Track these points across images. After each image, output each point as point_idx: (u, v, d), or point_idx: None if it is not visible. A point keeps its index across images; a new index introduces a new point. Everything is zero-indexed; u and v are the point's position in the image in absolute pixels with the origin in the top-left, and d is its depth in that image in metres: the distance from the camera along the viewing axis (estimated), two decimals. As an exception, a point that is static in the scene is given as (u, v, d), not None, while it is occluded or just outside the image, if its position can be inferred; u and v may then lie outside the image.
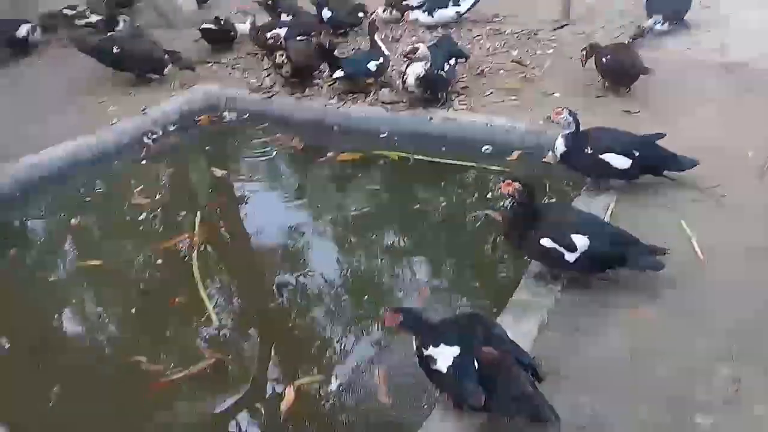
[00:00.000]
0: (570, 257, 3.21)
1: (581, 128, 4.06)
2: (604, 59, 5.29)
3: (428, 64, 5.11)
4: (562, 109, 4.01)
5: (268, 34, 6.36)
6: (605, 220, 3.73)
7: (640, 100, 5.23)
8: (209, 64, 6.69)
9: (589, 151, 3.98)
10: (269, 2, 7.14)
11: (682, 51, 6.07)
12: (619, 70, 5.27)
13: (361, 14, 7.05)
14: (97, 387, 3.28)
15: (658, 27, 6.23)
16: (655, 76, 5.22)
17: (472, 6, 7.00)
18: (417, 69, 5.14)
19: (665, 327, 3.08)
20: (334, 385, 3.09)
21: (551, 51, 6.23)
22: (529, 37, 6.64)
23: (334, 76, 5.68)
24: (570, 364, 2.90)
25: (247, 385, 3.20)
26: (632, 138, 4.06)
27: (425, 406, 2.83)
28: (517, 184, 3.22)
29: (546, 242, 3.24)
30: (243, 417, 3.05)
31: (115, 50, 6.25)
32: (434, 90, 5.33)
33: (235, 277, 4.12)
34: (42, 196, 4.87)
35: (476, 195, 4.70)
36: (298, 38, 6.23)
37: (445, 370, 2.52)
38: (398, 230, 4.41)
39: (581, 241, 3.19)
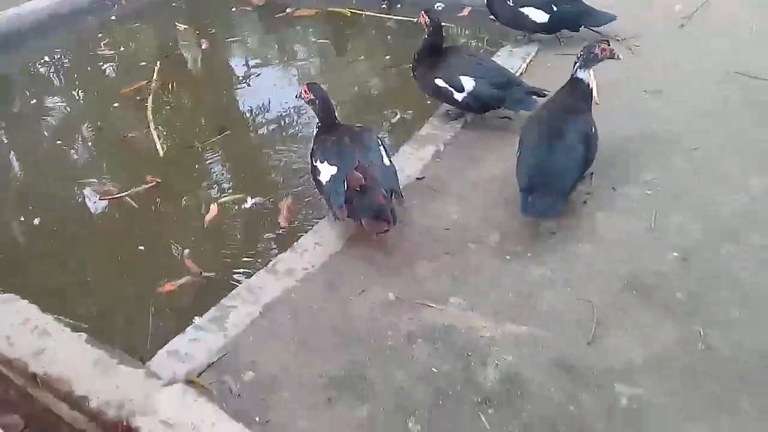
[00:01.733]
0: (458, 96, 3.56)
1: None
2: None
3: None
4: None
5: None
6: (513, 68, 4.00)
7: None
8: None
9: (510, 3, 4.18)
10: None
11: None
12: None
13: None
14: (52, 203, 3.77)
15: None
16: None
17: None
18: None
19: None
20: (248, 204, 3.53)
21: None
22: None
23: None
24: (450, 184, 3.30)
25: (179, 202, 3.65)
26: None
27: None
28: (427, 17, 3.51)
29: (439, 82, 3.57)
30: (173, 227, 3.52)
31: None
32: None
33: (184, 116, 4.50)
34: (19, 49, 5.21)
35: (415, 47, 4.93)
36: None
37: (324, 183, 2.95)
38: (338, 76, 4.72)
39: (468, 83, 3.50)
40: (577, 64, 3.09)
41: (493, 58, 4.11)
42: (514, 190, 3.10)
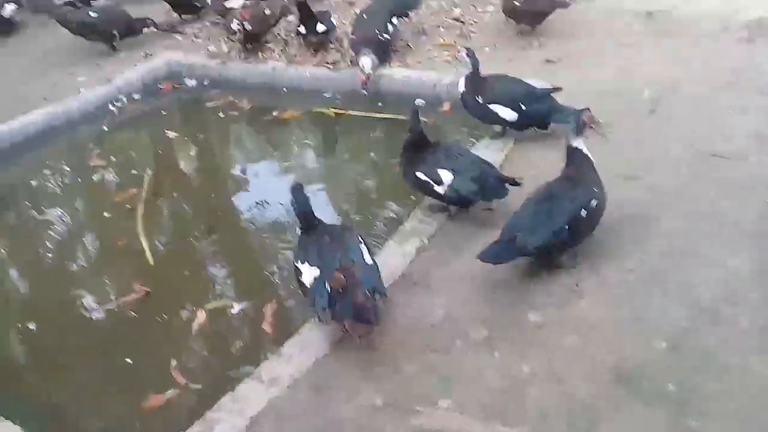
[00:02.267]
0: (439, 189, 3.63)
1: (486, 75, 4.41)
2: (516, 2, 5.71)
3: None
4: (461, 49, 4.35)
5: (226, 4, 6.79)
6: (492, 160, 4.10)
7: (562, 48, 5.55)
8: (180, 34, 7.09)
9: (480, 101, 4.34)
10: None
11: (613, 2, 6.32)
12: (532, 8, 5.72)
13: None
14: (42, 315, 3.77)
15: None
16: (581, 26, 5.55)
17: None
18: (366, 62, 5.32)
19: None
20: (235, 309, 3.55)
21: (491, 8, 6.51)
22: (475, -5, 6.92)
23: (318, 30, 6.00)
24: (435, 278, 3.33)
25: (168, 310, 3.66)
26: (526, 91, 4.34)
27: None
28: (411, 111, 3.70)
29: (420, 175, 3.66)
30: (161, 336, 3.52)
31: (92, 15, 6.71)
32: (378, 52, 5.53)
33: (175, 222, 4.58)
34: (10, 161, 5.35)
35: (400, 144, 5.07)
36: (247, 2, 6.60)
37: (308, 285, 2.98)
38: (323, 175, 4.84)
39: (446, 176, 3.60)
40: (570, 136, 3.28)
41: (472, 151, 4.24)
42: (497, 282, 3.12)
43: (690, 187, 3.75)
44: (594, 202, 3.21)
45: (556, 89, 4.39)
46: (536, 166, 4.05)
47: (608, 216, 3.40)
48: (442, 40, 6.03)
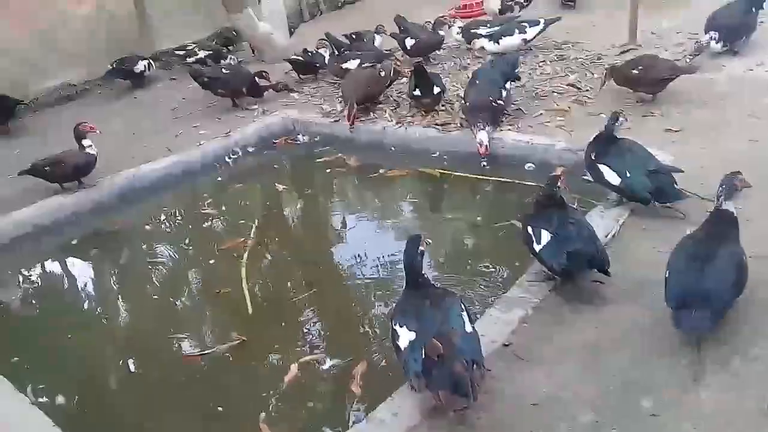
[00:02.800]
0: (536, 247, 3.53)
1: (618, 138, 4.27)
2: (634, 70, 5.54)
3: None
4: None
5: (343, 65, 7.03)
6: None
7: (686, 117, 5.27)
8: (294, 92, 7.38)
9: (592, 156, 4.16)
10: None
11: (743, 72, 5.97)
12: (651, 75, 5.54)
13: (442, 32, 7.51)
14: (143, 356, 3.87)
15: (713, 45, 6.15)
16: (707, 94, 5.26)
17: (539, 34, 7.21)
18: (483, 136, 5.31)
19: (633, 322, 3.21)
20: (326, 365, 3.48)
21: (611, 80, 6.31)
22: (592, 62, 6.77)
23: (434, 92, 6.11)
24: (538, 352, 3.11)
25: (261, 360, 3.65)
26: (639, 158, 4.11)
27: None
28: (556, 173, 3.64)
29: (529, 228, 3.58)
30: (253, 386, 3.49)
31: (224, 72, 7.11)
32: (491, 118, 5.49)
33: (277, 273, 4.61)
34: (133, 205, 5.66)
35: (505, 206, 4.94)
36: (366, 66, 6.78)
37: (402, 349, 2.86)
38: (425, 234, 4.72)
39: (545, 237, 3.47)
40: (721, 197, 3.19)
41: (585, 217, 4.04)
42: (606, 360, 2.87)
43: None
44: (744, 257, 3.14)
45: (677, 170, 4.12)
46: (653, 239, 3.78)
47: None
48: (555, 105, 5.89)
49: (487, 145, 5.29)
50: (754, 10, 6.37)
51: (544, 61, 7.02)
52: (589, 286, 3.53)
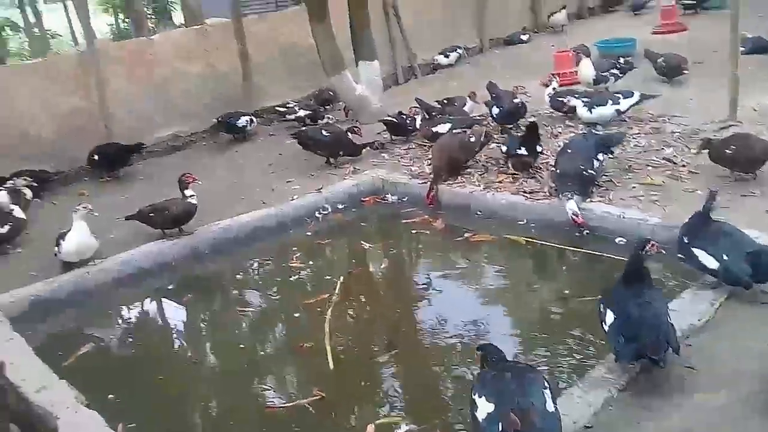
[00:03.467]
0: (605, 327, 3.51)
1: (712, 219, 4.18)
2: (728, 149, 5.42)
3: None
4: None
5: (433, 129, 7.21)
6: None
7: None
8: (384, 153, 7.61)
9: (686, 240, 4.05)
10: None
11: None
12: (745, 154, 5.41)
13: (518, 100, 7.59)
14: (227, 402, 4.02)
15: None
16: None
17: (633, 106, 7.15)
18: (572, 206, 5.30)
19: (723, 413, 3.06)
20: (402, 430, 3.49)
21: (706, 150, 6.17)
22: (689, 137, 6.64)
23: (537, 149, 6.34)
24: (623, 437, 3.02)
25: (339, 418, 3.70)
26: (737, 243, 3.97)
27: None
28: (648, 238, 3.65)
29: (600, 305, 3.58)
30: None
31: (324, 134, 7.44)
32: (581, 188, 5.49)
33: (360, 331, 4.68)
34: (226, 254, 5.93)
35: (593, 280, 4.85)
36: (456, 131, 6.92)
37: (479, 420, 2.85)
38: (507, 302, 4.73)
39: (609, 318, 3.45)
40: None
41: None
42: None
43: None
44: None
45: None
46: (753, 330, 3.62)
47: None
48: (649, 179, 5.78)
49: (579, 215, 5.26)
50: None
51: (638, 133, 6.94)
52: (679, 371, 3.41)
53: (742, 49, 8.92)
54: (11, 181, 6.77)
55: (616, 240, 5.17)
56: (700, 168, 5.84)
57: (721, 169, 5.66)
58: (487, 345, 3.32)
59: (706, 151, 5.70)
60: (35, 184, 7.09)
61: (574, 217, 5.25)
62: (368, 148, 7.54)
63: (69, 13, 25.72)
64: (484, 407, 2.86)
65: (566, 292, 4.74)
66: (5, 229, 5.97)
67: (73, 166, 8.33)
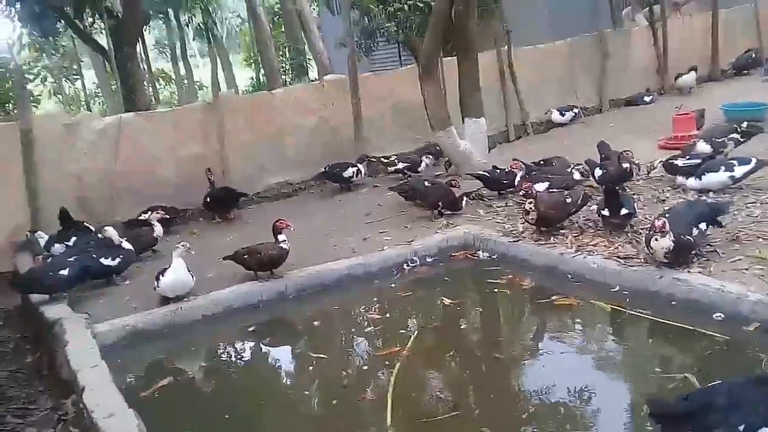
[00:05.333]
0: None
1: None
2: None
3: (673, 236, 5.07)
4: None
5: (524, 185, 7.04)
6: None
7: None
8: (480, 208, 7.56)
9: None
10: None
11: None
12: None
13: (626, 165, 7.23)
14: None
15: None
16: None
17: (749, 173, 6.66)
18: (665, 243, 5.06)
19: None
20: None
21: None
22: (811, 208, 6.08)
23: (621, 213, 6.13)
24: None
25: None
26: None
27: None
28: None
29: None
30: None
31: (426, 185, 7.55)
32: (679, 256, 5.19)
33: (425, 388, 4.60)
34: (311, 300, 6.08)
35: (683, 356, 4.49)
36: (552, 191, 6.76)
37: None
38: (583, 373, 4.46)
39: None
40: None
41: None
42: None
43: None
44: None
45: None
46: None
47: None
48: (758, 252, 5.32)
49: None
50: None
51: (754, 202, 6.43)
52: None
53: None
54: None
55: (714, 315, 4.76)
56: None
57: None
58: None
59: None
60: (167, 216, 7.75)
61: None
62: (466, 198, 7.52)
63: (217, 67, 27.87)
64: None
65: (649, 366, 4.43)
66: (116, 261, 6.48)
67: (191, 208, 8.94)
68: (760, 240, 5.58)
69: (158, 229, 7.39)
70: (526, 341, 5.14)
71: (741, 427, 2.96)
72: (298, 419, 4.39)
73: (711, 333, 4.57)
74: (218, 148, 9.22)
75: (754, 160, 6.65)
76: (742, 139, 7.84)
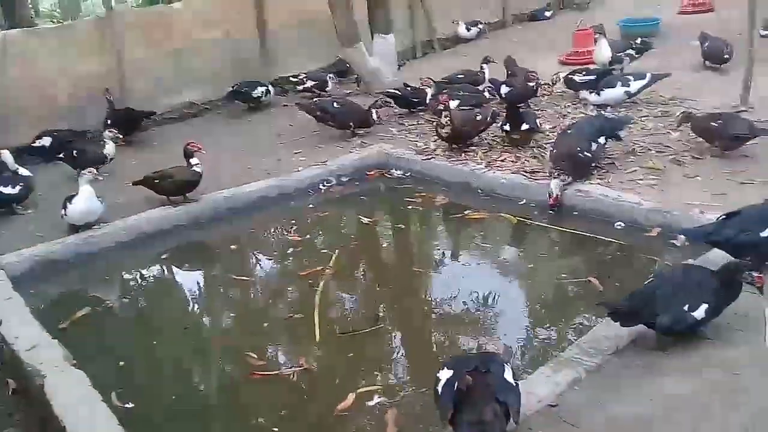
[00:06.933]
0: None
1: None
2: (713, 122, 5.61)
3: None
4: None
5: (441, 98, 7.14)
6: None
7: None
8: (392, 127, 7.64)
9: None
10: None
11: None
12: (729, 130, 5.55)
13: (532, 84, 7.50)
14: (215, 368, 4.17)
15: None
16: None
17: (643, 88, 7.06)
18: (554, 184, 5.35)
19: (697, 402, 3.10)
20: (373, 402, 3.57)
21: (687, 124, 6.06)
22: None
23: (522, 128, 6.41)
24: (586, 418, 3.07)
25: (322, 386, 3.81)
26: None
27: None
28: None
29: None
30: (308, 410, 3.65)
31: (335, 106, 7.49)
32: (577, 169, 5.53)
33: (349, 304, 4.78)
34: (228, 223, 6.04)
35: (584, 262, 4.87)
36: (463, 108, 6.92)
37: (439, 390, 2.91)
38: (495, 281, 4.80)
39: None
40: None
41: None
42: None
43: None
44: None
45: None
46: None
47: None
48: (651, 163, 5.74)
49: (556, 195, 5.31)
50: None
51: (647, 116, 6.88)
52: (656, 359, 3.43)
53: (765, 32, 8.76)
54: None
55: (615, 225, 5.14)
56: (703, 154, 5.77)
57: (725, 160, 5.59)
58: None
59: (687, 124, 5.89)
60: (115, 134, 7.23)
61: (549, 196, 5.30)
62: (375, 111, 7.53)
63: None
64: (444, 375, 2.92)
65: (551, 272, 4.77)
66: (16, 189, 6.15)
67: (90, 131, 8.46)
68: (652, 151, 6.01)
69: (110, 147, 6.95)
70: (440, 255, 5.36)
71: (686, 307, 3.39)
72: (227, 342, 4.46)
73: (611, 240, 4.97)
74: (115, 66, 8.69)
75: (648, 75, 7.05)
76: (636, 55, 8.23)
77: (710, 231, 3.99)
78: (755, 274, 3.40)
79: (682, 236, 4.55)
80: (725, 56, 7.98)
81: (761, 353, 3.34)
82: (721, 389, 3.15)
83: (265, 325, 4.59)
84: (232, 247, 5.70)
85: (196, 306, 5.02)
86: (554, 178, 5.38)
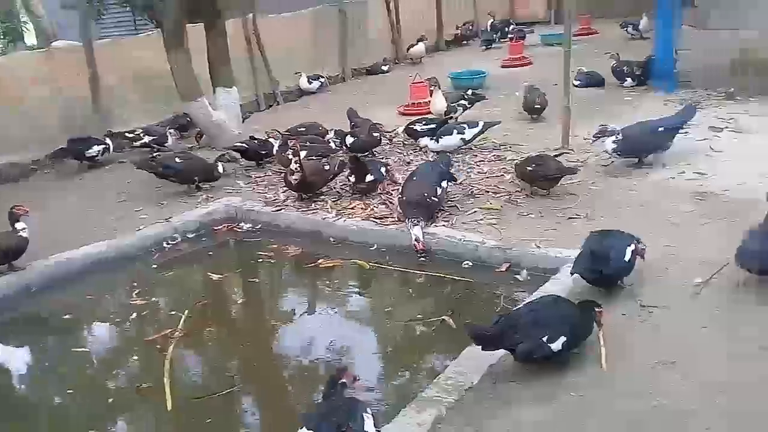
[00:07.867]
0: None
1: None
2: (529, 167, 6.08)
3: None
4: None
5: (290, 144, 7.12)
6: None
7: (610, 221, 5.45)
8: (239, 178, 7.52)
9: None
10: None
11: (664, 180, 6.30)
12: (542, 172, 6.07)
13: (377, 134, 7.74)
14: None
15: (608, 143, 6.45)
16: (631, 202, 5.59)
17: (477, 135, 7.53)
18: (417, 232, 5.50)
19: (552, 427, 3.26)
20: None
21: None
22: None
23: (367, 180, 6.52)
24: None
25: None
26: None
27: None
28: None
29: None
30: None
31: (177, 161, 7.19)
32: (425, 214, 5.71)
33: (201, 367, 4.55)
34: (63, 291, 5.55)
35: (437, 302, 5.01)
36: (311, 158, 6.98)
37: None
38: (352, 328, 4.85)
39: None
40: None
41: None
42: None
43: (734, 383, 3.45)
44: None
45: None
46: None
47: (639, 404, 3.15)
48: (489, 204, 6.10)
49: (422, 241, 5.45)
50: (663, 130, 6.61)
51: (482, 160, 7.31)
52: (508, 390, 3.57)
53: (578, 82, 9.75)
54: None
55: (464, 264, 5.34)
56: (533, 193, 6.23)
57: (552, 198, 6.07)
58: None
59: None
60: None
61: (416, 242, 5.43)
62: (218, 163, 7.36)
63: None
64: None
65: (407, 314, 4.85)
66: None
67: None
68: (490, 193, 6.39)
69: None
70: (295, 306, 5.28)
71: (545, 338, 3.54)
72: (69, 421, 4.06)
73: (461, 278, 5.16)
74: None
75: (481, 123, 7.54)
76: (469, 105, 8.80)
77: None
78: (596, 309, 3.76)
79: (524, 271, 4.87)
80: (536, 106, 8.69)
81: (600, 375, 3.60)
82: (571, 411, 3.34)
83: (110, 400, 4.21)
84: (67, 316, 5.22)
85: (33, 384, 4.53)
86: (414, 225, 5.50)
